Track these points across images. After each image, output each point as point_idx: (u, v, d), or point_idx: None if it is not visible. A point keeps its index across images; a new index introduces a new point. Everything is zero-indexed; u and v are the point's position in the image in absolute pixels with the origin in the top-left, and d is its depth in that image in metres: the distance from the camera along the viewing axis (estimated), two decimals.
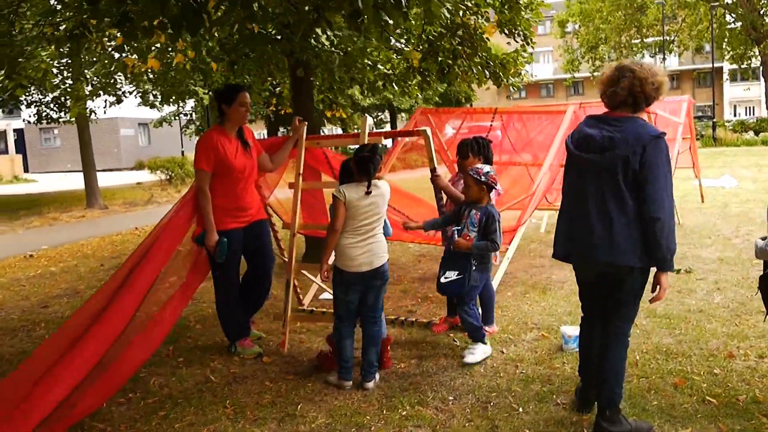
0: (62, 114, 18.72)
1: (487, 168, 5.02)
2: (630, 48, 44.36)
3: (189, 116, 34.48)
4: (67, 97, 16.26)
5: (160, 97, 18.10)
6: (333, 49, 8.12)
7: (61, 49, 10.90)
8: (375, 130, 6.42)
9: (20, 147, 46.79)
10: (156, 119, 31.96)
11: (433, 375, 4.82)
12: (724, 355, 4.96)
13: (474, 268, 4.93)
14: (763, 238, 3.90)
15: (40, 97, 17.95)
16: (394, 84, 11.56)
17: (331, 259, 4.75)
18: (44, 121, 18.68)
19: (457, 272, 4.93)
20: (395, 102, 24.43)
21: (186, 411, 4.40)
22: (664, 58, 43.04)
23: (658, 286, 3.71)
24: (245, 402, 4.51)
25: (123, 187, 26.98)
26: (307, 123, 5.75)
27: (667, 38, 43.08)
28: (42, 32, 7.97)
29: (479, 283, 5.06)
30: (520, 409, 4.20)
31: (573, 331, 5.01)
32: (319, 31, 7.72)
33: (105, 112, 19.17)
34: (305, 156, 5.77)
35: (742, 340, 5.25)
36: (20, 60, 8.23)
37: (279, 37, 7.55)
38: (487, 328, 5.68)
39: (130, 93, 17.96)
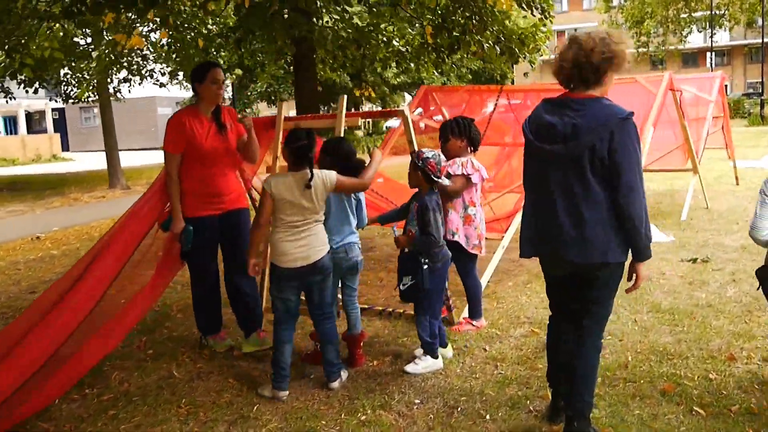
0: (78, 93, 18.67)
1: (429, 153, 4.39)
2: (677, 23, 43.04)
3: None
4: (88, 76, 16.17)
5: (166, 74, 17.87)
6: (331, 25, 7.79)
7: (53, 26, 10.72)
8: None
9: (61, 126, 47.39)
10: (187, 99, 32.10)
11: (405, 375, 4.48)
12: (724, 357, 4.54)
13: (426, 267, 4.32)
14: None
15: (64, 74, 17.87)
16: (409, 61, 11.22)
17: None
18: (62, 100, 18.67)
19: (410, 277, 4.37)
20: (426, 80, 23.99)
21: (137, 410, 4.16)
22: (712, 33, 41.62)
23: (634, 276, 3.36)
24: (202, 401, 4.25)
25: (152, 166, 27.01)
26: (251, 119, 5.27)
27: (717, 12, 41.60)
28: (35, 8, 7.78)
29: (435, 285, 4.42)
30: (488, 416, 3.86)
31: None
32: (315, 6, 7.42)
33: (129, 92, 19.08)
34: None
35: (748, 340, 4.82)
36: (15, 35, 8.03)
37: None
38: (474, 322, 5.35)
39: (137, 71, 17.67)
